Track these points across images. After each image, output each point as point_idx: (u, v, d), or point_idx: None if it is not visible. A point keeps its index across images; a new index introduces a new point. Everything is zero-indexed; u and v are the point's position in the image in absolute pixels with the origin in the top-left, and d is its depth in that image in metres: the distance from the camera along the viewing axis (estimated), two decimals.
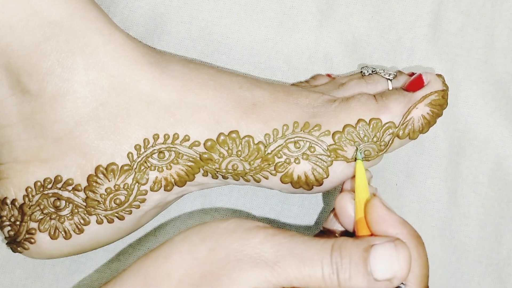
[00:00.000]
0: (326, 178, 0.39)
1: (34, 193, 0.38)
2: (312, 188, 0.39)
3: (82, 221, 0.38)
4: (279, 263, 0.33)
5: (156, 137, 0.38)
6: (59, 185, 0.38)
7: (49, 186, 0.38)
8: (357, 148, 0.38)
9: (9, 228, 0.39)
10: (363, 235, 0.35)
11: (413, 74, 0.41)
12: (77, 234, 0.39)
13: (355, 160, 0.38)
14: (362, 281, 0.32)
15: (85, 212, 0.38)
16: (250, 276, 0.33)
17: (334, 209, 0.39)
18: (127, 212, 0.39)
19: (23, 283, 0.43)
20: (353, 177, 0.39)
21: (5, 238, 0.39)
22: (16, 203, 0.38)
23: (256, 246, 0.33)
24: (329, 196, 0.45)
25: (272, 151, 0.38)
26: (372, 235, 0.35)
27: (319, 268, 0.33)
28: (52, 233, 0.38)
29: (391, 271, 0.32)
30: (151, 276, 0.34)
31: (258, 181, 0.39)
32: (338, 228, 0.39)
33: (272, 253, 0.33)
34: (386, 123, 0.38)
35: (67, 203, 0.38)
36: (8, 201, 0.38)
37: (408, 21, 0.47)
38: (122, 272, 0.35)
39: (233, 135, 0.38)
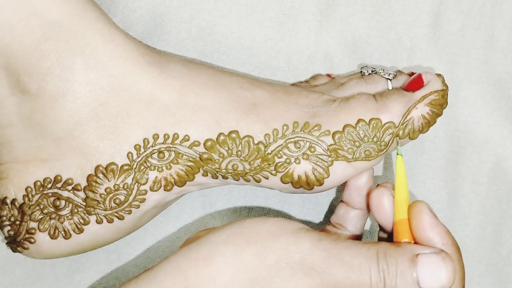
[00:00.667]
0: (327, 178, 0.39)
1: (34, 193, 0.38)
2: (313, 188, 0.39)
3: (81, 221, 0.38)
4: (330, 271, 0.33)
5: (156, 137, 0.38)
6: (58, 185, 0.38)
7: (49, 186, 0.38)
8: (397, 142, 0.38)
9: (9, 228, 0.39)
10: (404, 240, 0.35)
11: (413, 74, 0.41)
12: (77, 234, 0.39)
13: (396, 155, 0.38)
14: None
15: (85, 212, 0.38)
16: (302, 284, 0.33)
17: (342, 201, 0.40)
18: (127, 212, 0.39)
19: (23, 283, 0.43)
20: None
21: (5, 238, 0.39)
22: (16, 203, 0.38)
23: (306, 253, 0.33)
24: (336, 192, 0.45)
25: (272, 151, 0.38)
26: (414, 240, 0.35)
27: (367, 276, 0.33)
28: (52, 233, 0.38)
29: (439, 282, 0.33)
30: (193, 279, 0.33)
31: (258, 181, 0.39)
32: (348, 224, 0.39)
33: (322, 261, 0.33)
34: (386, 123, 0.38)
35: (67, 203, 0.38)
36: (8, 201, 0.38)
37: (408, 21, 0.46)
38: (152, 271, 0.34)
39: (233, 135, 0.38)
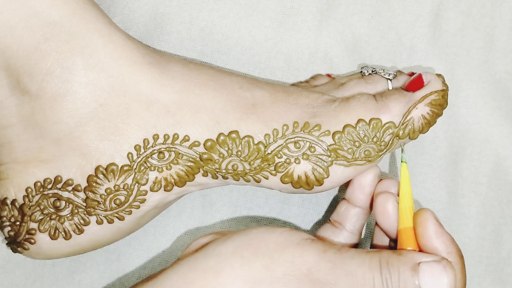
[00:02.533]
0: (326, 178, 0.39)
1: (34, 193, 0.38)
2: (313, 188, 0.39)
3: (82, 221, 0.38)
4: (336, 282, 0.33)
5: (156, 137, 0.38)
6: (59, 186, 0.38)
7: (49, 186, 0.38)
8: (402, 149, 0.38)
9: (9, 228, 0.39)
10: (408, 248, 0.35)
11: (413, 74, 0.41)
12: (77, 234, 0.39)
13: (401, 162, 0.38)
14: None
15: (85, 212, 0.38)
16: None
17: (344, 199, 0.40)
18: (127, 213, 0.39)
19: (23, 283, 0.43)
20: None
21: (5, 238, 0.39)
22: (16, 204, 0.38)
23: (312, 265, 0.34)
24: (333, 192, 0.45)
25: (272, 151, 0.38)
26: (419, 248, 0.35)
27: (371, 286, 0.33)
28: (52, 233, 0.38)
29: None
30: None
31: (258, 181, 0.39)
32: (347, 222, 0.39)
33: (327, 273, 0.34)
34: (386, 123, 0.38)
35: (67, 204, 0.38)
36: (8, 202, 0.38)
37: (408, 21, 0.46)
38: (157, 279, 0.34)
39: (233, 135, 0.38)
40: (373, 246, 0.40)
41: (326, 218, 0.45)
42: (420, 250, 0.35)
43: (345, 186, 0.41)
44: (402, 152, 0.38)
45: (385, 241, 0.39)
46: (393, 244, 0.38)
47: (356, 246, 0.40)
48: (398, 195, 0.37)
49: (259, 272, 0.33)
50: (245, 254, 0.34)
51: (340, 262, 0.34)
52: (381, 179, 0.39)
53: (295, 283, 0.33)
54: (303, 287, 0.33)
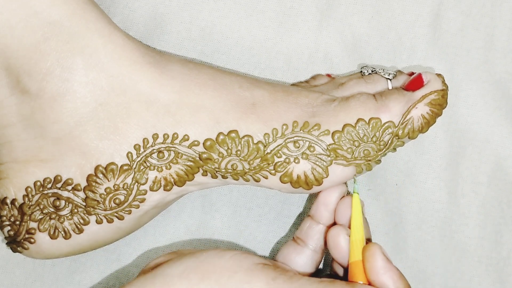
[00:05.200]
0: (326, 177, 0.39)
1: (33, 193, 0.38)
2: (312, 187, 0.39)
3: (81, 221, 0.38)
4: None
5: (155, 137, 0.38)
6: (58, 185, 0.38)
7: (49, 186, 0.38)
8: (354, 179, 0.39)
9: (9, 228, 0.39)
10: (359, 281, 0.35)
11: (412, 73, 0.41)
12: (77, 234, 0.39)
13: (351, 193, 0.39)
14: None
15: (85, 212, 0.38)
16: None
17: (309, 216, 0.40)
18: (127, 212, 0.39)
19: (23, 283, 0.43)
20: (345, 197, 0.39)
21: (5, 238, 0.39)
22: (16, 203, 0.38)
23: None
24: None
25: (271, 150, 0.38)
26: (368, 281, 0.35)
27: None
28: (51, 233, 0.38)
29: None
30: None
31: (257, 181, 0.39)
32: (309, 240, 0.39)
33: None
34: (386, 122, 0.38)
35: (67, 203, 0.38)
36: (8, 201, 0.39)
37: (408, 21, 0.46)
38: None
39: (233, 134, 0.38)
40: (332, 271, 0.40)
41: None
42: (370, 284, 0.35)
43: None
44: (354, 182, 0.39)
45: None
46: (344, 273, 0.38)
47: (318, 264, 0.40)
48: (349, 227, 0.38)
49: None
50: (192, 277, 0.34)
51: None
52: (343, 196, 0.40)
53: None
54: None
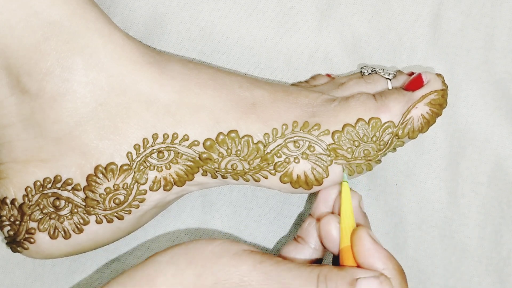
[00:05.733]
0: (326, 177, 0.39)
1: (33, 193, 0.38)
2: (312, 187, 0.39)
3: (81, 220, 0.38)
4: None
5: (155, 136, 0.38)
6: (58, 185, 0.38)
7: (49, 186, 0.38)
8: (343, 167, 0.39)
9: (8, 228, 0.39)
10: (348, 265, 0.36)
11: (412, 73, 0.41)
12: (77, 234, 0.39)
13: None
14: None
15: (85, 212, 0.38)
16: None
17: (310, 215, 0.40)
18: (127, 212, 0.39)
19: (23, 283, 0.43)
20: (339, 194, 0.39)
21: (5, 238, 0.39)
22: (16, 203, 0.38)
23: (244, 274, 0.34)
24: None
25: (271, 150, 0.38)
26: (357, 265, 0.35)
27: None
28: (51, 232, 0.38)
29: None
30: None
31: (257, 181, 0.39)
32: (310, 238, 0.39)
33: (260, 282, 0.34)
34: (386, 122, 0.38)
35: (67, 203, 0.38)
36: (8, 201, 0.39)
37: (408, 21, 0.46)
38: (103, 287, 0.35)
39: (232, 134, 0.38)
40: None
41: None
42: (359, 267, 0.35)
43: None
44: (343, 171, 0.38)
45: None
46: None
47: (318, 262, 0.40)
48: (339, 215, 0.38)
49: (191, 280, 0.34)
50: (180, 262, 0.35)
51: (276, 274, 0.34)
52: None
53: None
54: None
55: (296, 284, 0.34)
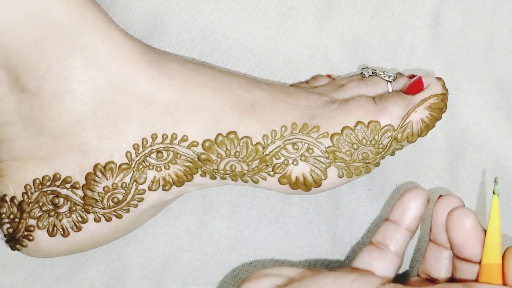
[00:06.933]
0: (324, 179, 0.39)
1: (33, 190, 0.38)
2: (310, 189, 0.39)
3: (80, 218, 0.39)
4: None
5: (154, 136, 0.38)
6: (57, 183, 0.38)
7: (48, 183, 0.38)
8: (495, 180, 0.37)
9: (8, 225, 0.39)
10: (495, 284, 0.35)
11: (413, 76, 0.41)
12: (75, 231, 0.39)
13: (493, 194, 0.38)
14: None
15: (83, 210, 0.38)
16: None
17: (387, 220, 0.39)
18: (125, 211, 0.39)
19: (23, 283, 0.43)
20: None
21: (4, 235, 0.40)
22: (15, 201, 0.38)
23: None
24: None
25: (270, 152, 0.38)
26: (504, 284, 0.35)
27: None
28: (50, 230, 0.39)
29: None
30: None
31: (256, 182, 0.39)
32: (393, 244, 0.39)
33: None
34: (385, 125, 0.38)
35: (65, 201, 0.38)
36: (7, 199, 0.39)
37: (408, 21, 0.46)
38: None
39: (231, 136, 0.38)
40: (418, 274, 0.40)
41: (326, 218, 0.45)
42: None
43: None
44: (495, 183, 0.37)
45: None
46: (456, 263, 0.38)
47: (397, 269, 0.39)
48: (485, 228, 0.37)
49: None
50: None
51: None
52: (440, 196, 0.39)
53: None
54: None
55: None
